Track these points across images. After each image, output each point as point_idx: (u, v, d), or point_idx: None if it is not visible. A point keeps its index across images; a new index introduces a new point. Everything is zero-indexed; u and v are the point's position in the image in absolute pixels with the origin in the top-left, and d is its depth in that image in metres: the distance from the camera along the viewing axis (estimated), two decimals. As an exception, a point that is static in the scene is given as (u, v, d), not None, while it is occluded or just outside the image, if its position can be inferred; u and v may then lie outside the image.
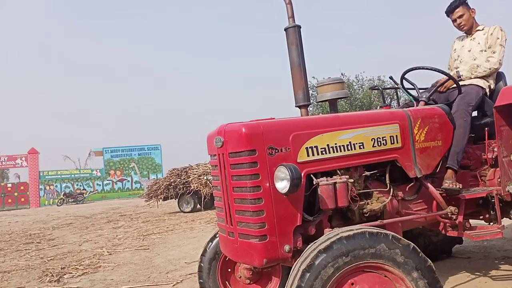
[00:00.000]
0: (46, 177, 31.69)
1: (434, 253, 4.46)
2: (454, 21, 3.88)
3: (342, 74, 23.46)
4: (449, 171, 3.27)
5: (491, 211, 3.42)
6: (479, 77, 3.71)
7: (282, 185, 2.33)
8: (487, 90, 3.69)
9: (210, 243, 3.21)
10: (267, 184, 2.40)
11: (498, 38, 3.69)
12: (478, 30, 3.87)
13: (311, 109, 21.56)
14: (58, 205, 27.75)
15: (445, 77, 3.61)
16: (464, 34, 4.03)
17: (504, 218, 3.38)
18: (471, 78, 3.72)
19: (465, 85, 3.61)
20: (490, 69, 3.64)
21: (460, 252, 4.81)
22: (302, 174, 2.46)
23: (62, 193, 30.05)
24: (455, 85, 3.57)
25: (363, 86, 22.86)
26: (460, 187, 3.20)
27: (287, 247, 2.41)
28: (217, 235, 3.14)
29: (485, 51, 3.75)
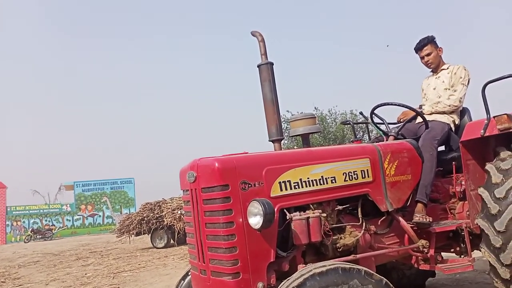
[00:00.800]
0: (14, 212, 30.49)
1: (408, 287, 4.47)
2: (422, 58, 4.06)
3: (315, 108, 23.93)
4: (419, 204, 3.32)
5: (462, 244, 3.48)
6: (441, 113, 3.85)
7: (256, 221, 2.32)
8: (452, 126, 3.82)
9: (182, 281, 3.13)
10: (240, 220, 2.39)
11: (461, 78, 3.86)
12: (443, 69, 4.04)
13: (286, 141, 21.75)
14: (25, 242, 26.64)
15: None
16: (431, 73, 4.20)
17: (475, 250, 3.43)
18: (432, 113, 3.87)
19: (429, 121, 3.72)
20: (449, 106, 3.78)
21: (433, 285, 4.84)
22: (275, 209, 2.45)
23: (30, 229, 28.91)
24: (421, 120, 3.71)
25: (336, 120, 23.30)
26: (430, 220, 3.25)
27: (260, 285, 2.37)
28: (189, 273, 3.07)
29: (448, 89, 3.91)
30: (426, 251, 3.22)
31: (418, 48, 4.04)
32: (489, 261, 3.13)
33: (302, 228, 2.48)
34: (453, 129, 3.83)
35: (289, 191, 2.59)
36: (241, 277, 2.35)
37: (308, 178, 2.68)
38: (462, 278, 5.02)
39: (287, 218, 2.51)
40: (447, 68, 4.02)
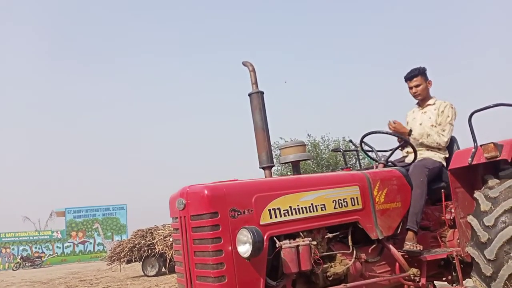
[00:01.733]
0: (3, 239, 29.98)
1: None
2: (410, 88, 4.03)
3: (308, 134, 24.03)
4: (410, 232, 3.32)
5: (453, 273, 3.46)
6: (430, 150, 3.82)
7: (245, 249, 2.31)
8: (444, 163, 3.77)
9: None
10: (229, 248, 2.37)
11: (448, 117, 3.83)
12: (429, 104, 4.01)
13: (280, 167, 21.73)
14: (14, 270, 26.11)
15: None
16: (416, 106, 4.18)
17: (467, 279, 3.42)
18: (421, 148, 3.82)
19: (422, 158, 3.70)
20: (438, 143, 3.75)
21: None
22: (265, 237, 2.45)
23: (19, 256, 28.39)
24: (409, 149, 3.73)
25: (329, 146, 23.37)
26: (421, 248, 3.24)
27: (249, 315, 2.35)
28: None
29: (435, 126, 3.86)
30: (417, 280, 3.20)
31: (408, 78, 4.01)
32: None
33: (292, 256, 2.46)
34: (445, 165, 3.75)
35: (278, 219, 2.59)
36: (229, 307, 2.32)
37: (297, 205, 2.69)
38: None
39: (277, 246, 2.50)
40: (434, 104, 3.98)
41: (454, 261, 3.31)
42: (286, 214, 2.63)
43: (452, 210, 3.53)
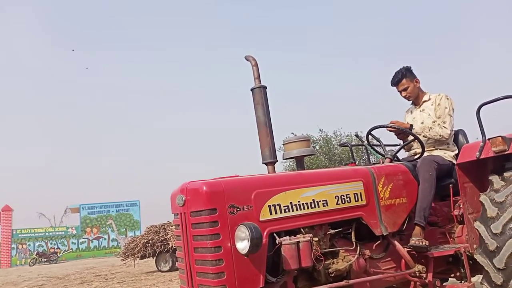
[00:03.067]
0: (19, 235, 30.48)
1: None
2: (400, 92, 3.97)
3: (320, 129, 23.91)
4: (417, 228, 3.26)
5: (461, 269, 3.40)
6: (440, 149, 3.73)
7: (243, 245, 2.29)
8: (454, 161, 3.64)
9: None
10: (228, 245, 2.36)
11: (446, 108, 3.75)
12: (425, 101, 3.94)
13: (291, 163, 21.66)
14: (30, 265, 26.55)
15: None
16: (412, 105, 4.11)
17: (476, 275, 3.36)
18: (428, 143, 3.74)
19: (432, 155, 3.63)
20: (440, 136, 3.65)
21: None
22: (265, 233, 2.44)
23: (35, 252, 28.82)
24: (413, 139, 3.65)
25: (341, 142, 23.20)
26: (427, 244, 3.18)
27: (248, 311, 2.33)
28: None
29: (435, 121, 3.77)
30: (424, 277, 3.15)
31: (394, 84, 3.96)
32: None
33: (292, 253, 2.44)
34: (455, 162, 3.60)
35: (279, 215, 2.57)
36: (229, 303, 2.31)
37: (298, 201, 2.66)
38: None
39: (277, 242, 2.48)
40: (429, 99, 3.92)
41: (462, 258, 3.24)
42: (287, 210, 2.60)
43: (461, 206, 3.46)
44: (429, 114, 3.86)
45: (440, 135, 3.66)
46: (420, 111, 3.96)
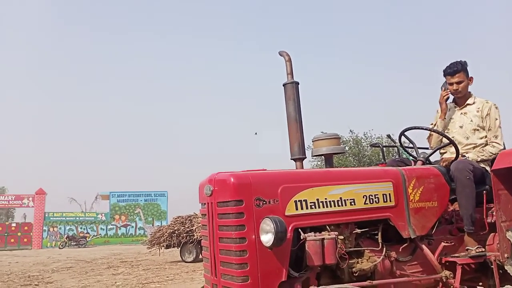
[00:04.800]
0: (51, 218, 31.52)
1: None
2: (451, 84, 3.71)
3: (350, 130, 23.70)
4: (468, 237, 3.23)
5: (490, 278, 3.30)
6: (472, 153, 3.59)
7: (267, 238, 2.30)
8: (488, 167, 3.53)
9: None
10: (253, 237, 2.37)
11: (496, 119, 3.58)
12: (469, 104, 3.72)
13: (318, 163, 21.51)
14: (60, 248, 27.42)
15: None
16: (453, 103, 3.86)
17: (506, 286, 3.26)
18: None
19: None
20: (495, 154, 3.47)
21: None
22: (290, 228, 2.43)
23: (65, 235, 29.74)
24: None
25: (372, 143, 22.89)
26: (484, 250, 3.18)
27: (269, 304, 2.34)
28: None
29: (477, 130, 3.62)
30: (450, 283, 3.08)
31: (449, 73, 3.67)
32: None
33: (316, 249, 2.43)
34: (489, 170, 3.50)
35: (304, 211, 2.56)
36: (250, 294, 2.32)
37: (325, 198, 2.64)
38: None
39: (302, 238, 2.47)
40: (474, 103, 3.68)
41: (492, 266, 3.15)
42: (313, 206, 2.59)
43: (494, 213, 3.36)
44: (471, 120, 3.65)
45: (495, 154, 3.48)
46: (462, 113, 3.74)
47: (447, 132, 3.69)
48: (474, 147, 3.61)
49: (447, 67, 3.72)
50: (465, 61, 3.71)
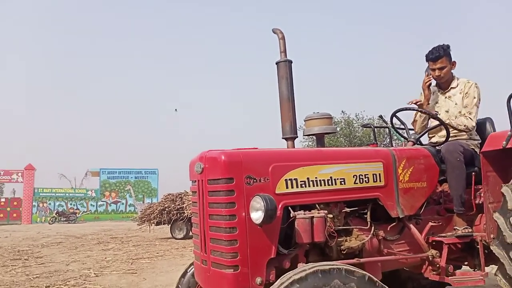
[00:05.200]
0: (40, 194, 31.45)
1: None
2: (433, 70, 3.69)
3: (342, 111, 23.73)
4: (458, 217, 3.28)
5: (476, 258, 3.37)
6: (462, 137, 3.63)
7: (257, 216, 2.31)
8: (477, 149, 3.59)
9: (182, 279, 3.15)
10: (243, 214, 2.38)
11: (474, 98, 3.60)
12: (452, 87, 3.74)
13: (309, 143, 21.57)
14: (49, 223, 27.43)
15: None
16: (437, 87, 3.86)
17: (491, 265, 3.32)
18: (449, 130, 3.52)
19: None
20: (465, 126, 3.53)
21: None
22: (280, 206, 2.45)
23: (55, 211, 29.71)
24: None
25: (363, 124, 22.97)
26: (471, 231, 3.23)
27: (258, 280, 2.36)
28: (188, 270, 3.12)
29: (461, 112, 3.64)
30: (436, 262, 3.13)
31: (432, 59, 3.66)
32: None
33: (305, 227, 2.45)
34: (478, 152, 3.56)
35: (295, 189, 2.57)
36: (240, 270, 2.35)
37: (316, 177, 2.65)
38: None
39: (291, 216, 2.49)
40: (457, 86, 3.70)
41: (478, 246, 3.21)
42: (303, 185, 2.60)
43: (482, 195, 3.40)
44: (456, 104, 3.69)
45: (465, 126, 3.54)
46: (446, 97, 3.78)
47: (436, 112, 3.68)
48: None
49: (429, 52, 3.70)
50: (447, 45, 3.68)
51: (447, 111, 3.71)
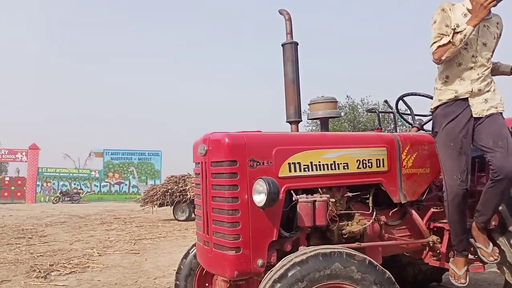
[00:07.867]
0: (45, 173, 31.65)
1: (424, 282, 4.39)
2: None
3: (347, 96, 23.58)
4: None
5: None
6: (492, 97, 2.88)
7: (259, 199, 2.31)
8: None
9: (184, 260, 3.17)
10: (246, 196, 2.39)
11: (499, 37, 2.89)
12: (493, 14, 2.85)
13: (313, 128, 21.49)
14: (53, 203, 27.65)
15: None
16: (465, 7, 2.79)
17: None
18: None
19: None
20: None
21: (450, 282, 4.72)
22: (282, 189, 2.45)
23: (59, 191, 29.93)
24: None
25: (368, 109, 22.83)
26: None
27: (260, 261, 2.38)
28: (191, 251, 3.14)
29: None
30: (437, 247, 3.15)
31: None
32: (505, 277, 3.04)
33: (307, 210, 2.46)
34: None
35: (298, 173, 2.57)
36: (241, 252, 2.36)
37: (319, 161, 2.65)
38: (481, 278, 4.87)
39: (293, 199, 2.50)
40: (495, 16, 2.86)
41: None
42: (306, 169, 2.60)
43: (485, 182, 3.39)
44: (494, 38, 2.85)
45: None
46: (484, 26, 2.80)
47: (465, 50, 2.78)
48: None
49: None
50: None
51: (484, 44, 2.79)
